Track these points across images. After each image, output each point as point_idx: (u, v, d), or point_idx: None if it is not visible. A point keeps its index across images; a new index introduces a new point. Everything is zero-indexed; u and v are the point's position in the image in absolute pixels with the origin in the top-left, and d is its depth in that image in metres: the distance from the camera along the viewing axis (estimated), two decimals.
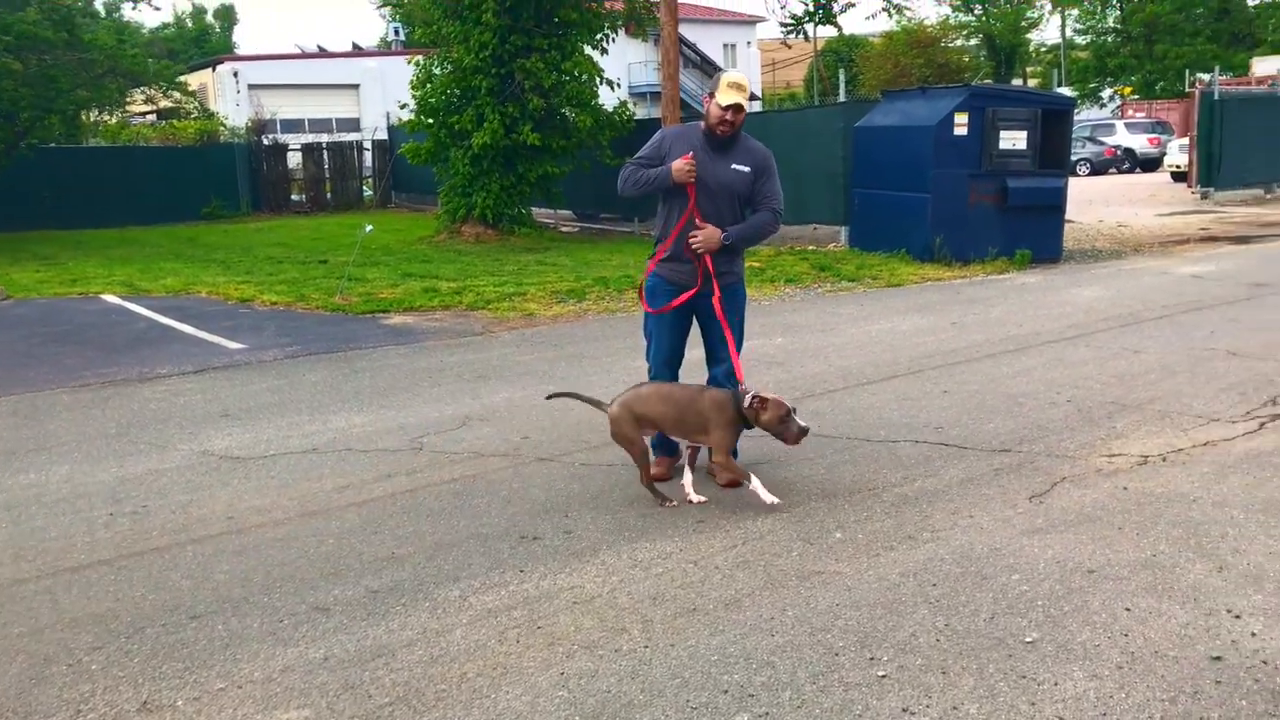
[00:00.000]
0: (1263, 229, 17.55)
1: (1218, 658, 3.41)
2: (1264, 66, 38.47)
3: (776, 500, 4.88)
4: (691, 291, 5.25)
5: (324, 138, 33.65)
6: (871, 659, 3.49)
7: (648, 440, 5.09)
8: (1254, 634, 3.55)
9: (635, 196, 5.35)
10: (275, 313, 11.70)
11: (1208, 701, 3.16)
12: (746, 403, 4.83)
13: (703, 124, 5.26)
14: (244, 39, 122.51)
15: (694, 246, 5.15)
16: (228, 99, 38.05)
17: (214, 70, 40.30)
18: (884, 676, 3.38)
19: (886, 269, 13.22)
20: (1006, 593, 3.96)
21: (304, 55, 47.57)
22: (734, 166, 5.20)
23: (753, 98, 52.37)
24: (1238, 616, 3.69)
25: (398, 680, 3.47)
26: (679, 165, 5.08)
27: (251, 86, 38.45)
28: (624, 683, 3.41)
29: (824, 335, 9.30)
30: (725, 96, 5.05)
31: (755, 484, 4.90)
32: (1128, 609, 3.78)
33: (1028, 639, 3.59)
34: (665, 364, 5.43)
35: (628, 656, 3.58)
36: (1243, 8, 58.01)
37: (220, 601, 4.14)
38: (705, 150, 5.19)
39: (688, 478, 5.12)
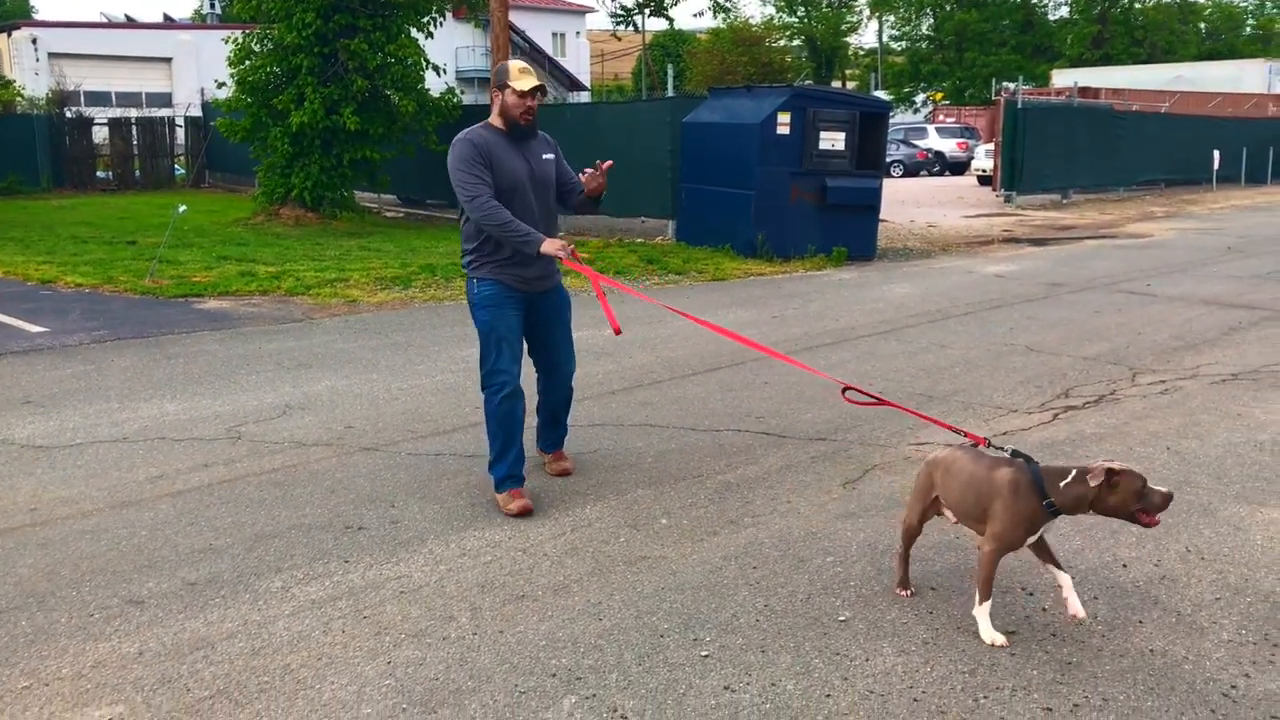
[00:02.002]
0: (1059, 232, 18.70)
1: (1013, 632, 3.66)
2: (1063, 79, 40.91)
3: (1000, 639, 3.59)
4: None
5: (133, 112, 32.04)
6: (695, 640, 3.60)
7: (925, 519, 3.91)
8: (1044, 609, 3.82)
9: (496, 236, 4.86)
10: (80, 295, 11.12)
11: (1003, 672, 3.39)
12: (1070, 479, 3.47)
13: (496, 121, 4.94)
14: (43, 4, 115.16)
15: (562, 253, 4.77)
16: (25, 67, 35.78)
17: (9, 36, 37.84)
18: (707, 656, 3.49)
19: (712, 263, 13.50)
20: (822, 574, 4.14)
21: (111, 25, 45.14)
22: (544, 156, 5.06)
23: (580, 88, 51.88)
24: (1031, 594, 3.96)
25: (218, 673, 3.39)
26: (556, 246, 4.75)
27: (52, 55, 36.25)
28: (452, 670, 3.42)
29: (651, 327, 9.45)
30: (523, 82, 4.83)
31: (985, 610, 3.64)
32: (933, 588, 4.01)
33: (841, 618, 3.77)
34: (517, 372, 4.96)
35: (455, 644, 3.59)
36: (1044, 22, 61.53)
37: (24, 596, 3.94)
38: (514, 147, 4.92)
39: (1061, 578, 3.67)
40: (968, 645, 3.56)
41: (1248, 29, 66.89)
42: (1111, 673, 3.38)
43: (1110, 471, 3.41)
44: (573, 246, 4.86)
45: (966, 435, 4.00)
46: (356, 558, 4.32)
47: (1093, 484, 3.40)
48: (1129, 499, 3.43)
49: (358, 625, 3.73)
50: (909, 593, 3.92)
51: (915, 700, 3.22)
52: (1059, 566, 3.68)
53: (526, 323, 5.09)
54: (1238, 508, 4.86)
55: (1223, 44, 62.82)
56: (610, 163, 5.11)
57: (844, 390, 4.47)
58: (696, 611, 3.82)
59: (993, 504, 3.55)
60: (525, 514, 4.79)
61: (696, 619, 3.76)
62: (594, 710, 3.18)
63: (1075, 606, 3.59)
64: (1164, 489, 3.48)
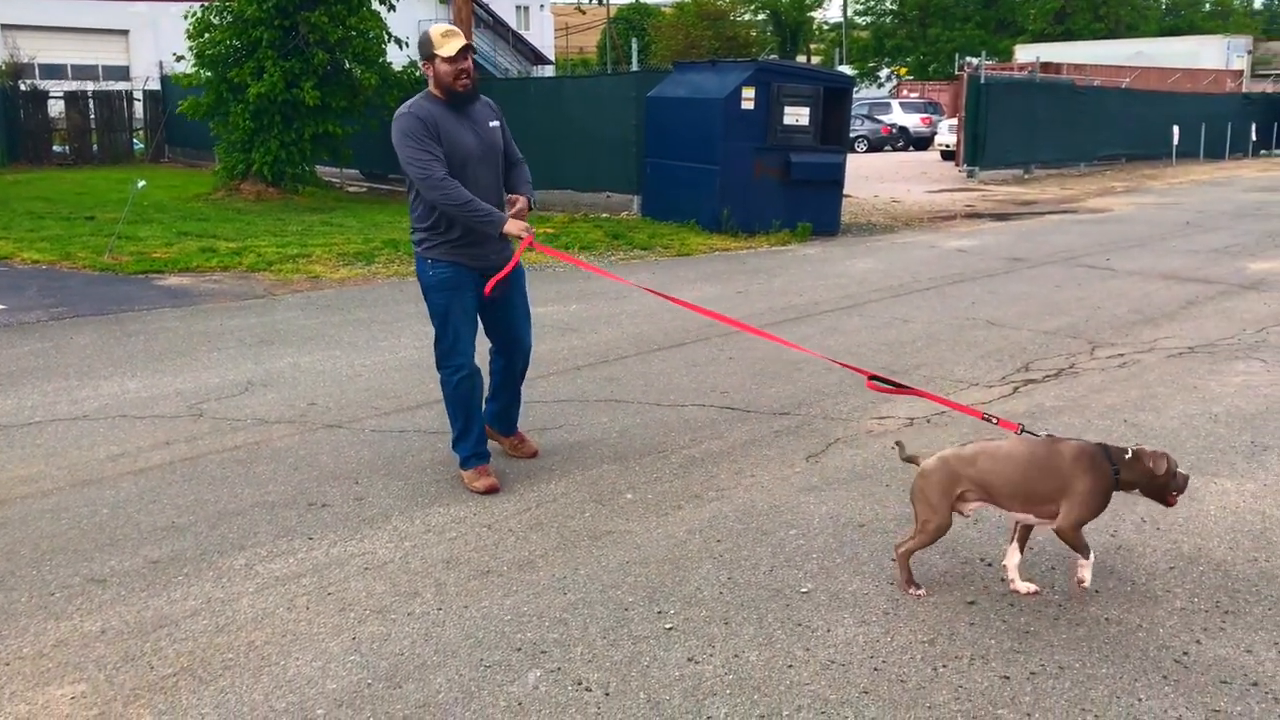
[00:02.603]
0: (1021, 207, 18.85)
1: (971, 602, 3.72)
2: (1025, 54, 41.14)
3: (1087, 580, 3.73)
4: (510, 266, 4.83)
5: (90, 86, 31.46)
6: (659, 613, 3.63)
7: (955, 516, 3.81)
8: (1003, 579, 3.88)
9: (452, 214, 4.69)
10: (37, 271, 10.96)
11: (962, 642, 3.45)
12: (1130, 457, 3.63)
13: (435, 91, 4.72)
14: None
15: (525, 234, 4.66)
16: None
17: None
18: (671, 629, 3.52)
19: (677, 238, 13.50)
20: (785, 547, 4.18)
21: None
22: (491, 124, 4.82)
23: (544, 61, 51.34)
24: (989, 564, 4.02)
25: (181, 650, 3.38)
26: (518, 228, 4.63)
27: (5, 27, 35.49)
28: (417, 645, 3.43)
29: (617, 302, 9.45)
30: (449, 46, 4.57)
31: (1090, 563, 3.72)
32: (893, 560, 4.06)
33: (804, 589, 3.81)
34: (473, 352, 4.88)
35: (420, 619, 3.60)
36: None
37: None
38: (459, 118, 4.70)
39: (1014, 559, 3.84)
40: (927, 615, 3.62)
41: (1207, 5, 67.51)
42: (1068, 641, 3.44)
43: (1168, 458, 3.63)
44: (533, 229, 4.75)
45: (999, 422, 4.02)
46: (320, 534, 4.32)
47: (1159, 471, 3.60)
48: (1169, 481, 3.63)
49: (322, 602, 3.73)
50: (923, 591, 3.82)
51: (876, 670, 3.27)
52: (1021, 549, 3.81)
53: (482, 302, 4.91)
54: (1192, 478, 4.94)
55: (1182, 20, 63.43)
56: (524, 202, 4.82)
57: (870, 379, 4.35)
58: (661, 585, 3.85)
59: (1073, 479, 3.59)
60: (492, 492, 4.77)
61: (661, 592, 3.79)
62: (559, 683, 3.20)
63: (1021, 585, 3.79)
64: (1185, 472, 3.69)
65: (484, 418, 5.06)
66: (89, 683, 3.20)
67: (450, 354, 4.84)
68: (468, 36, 18.32)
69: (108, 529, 4.36)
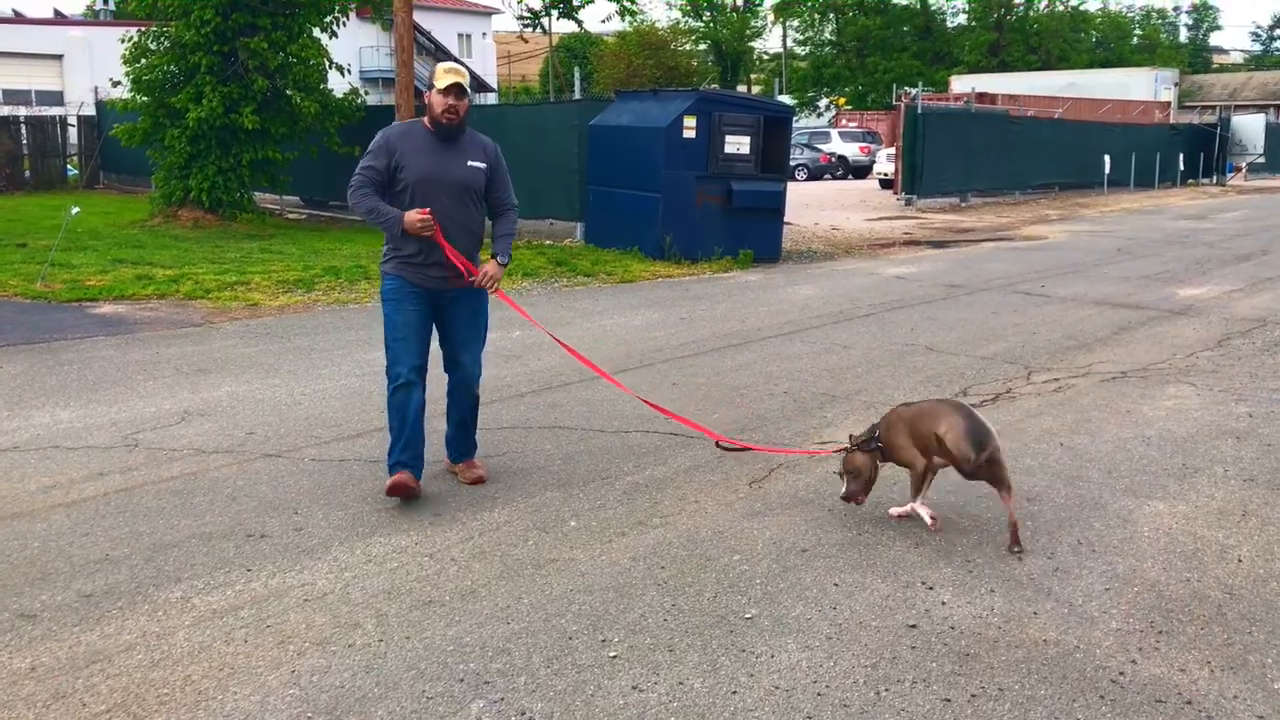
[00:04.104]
0: (957, 235, 19.16)
1: (913, 625, 3.75)
2: (961, 84, 41.96)
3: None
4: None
5: (22, 111, 30.91)
6: (604, 641, 3.62)
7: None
8: (944, 603, 3.93)
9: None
10: None
11: (904, 665, 3.48)
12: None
13: (426, 120, 5.08)
14: None
15: (488, 288, 5.08)
16: None
17: None
18: (615, 657, 3.51)
19: (620, 265, 13.54)
20: (729, 572, 4.19)
21: None
22: (470, 163, 5.06)
23: (487, 89, 51.54)
24: (931, 588, 4.06)
25: (115, 686, 3.31)
26: (414, 219, 4.85)
27: None
28: (358, 677, 3.38)
29: (560, 329, 9.43)
30: (442, 79, 4.89)
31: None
32: (836, 584, 4.09)
33: (747, 615, 3.82)
34: (413, 366, 5.02)
35: (361, 651, 3.55)
36: (943, 29, 63.04)
37: None
38: (435, 146, 5.01)
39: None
40: (869, 640, 3.64)
41: (1135, 39, 69.37)
42: (1007, 663, 3.49)
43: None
44: (433, 224, 4.91)
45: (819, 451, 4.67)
46: (259, 566, 4.25)
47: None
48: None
49: (261, 634, 3.67)
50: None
51: (819, 695, 3.29)
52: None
53: (436, 321, 5.16)
54: (1126, 501, 5.04)
55: (1112, 53, 65.10)
56: (491, 266, 5.11)
57: (717, 444, 5.41)
58: (605, 612, 3.84)
59: None
60: (396, 492, 4.90)
61: (605, 620, 3.78)
62: (502, 714, 3.17)
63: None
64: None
65: (423, 435, 5.13)
66: None
67: (391, 364, 5.06)
68: (408, 64, 18.06)
69: (39, 562, 4.26)
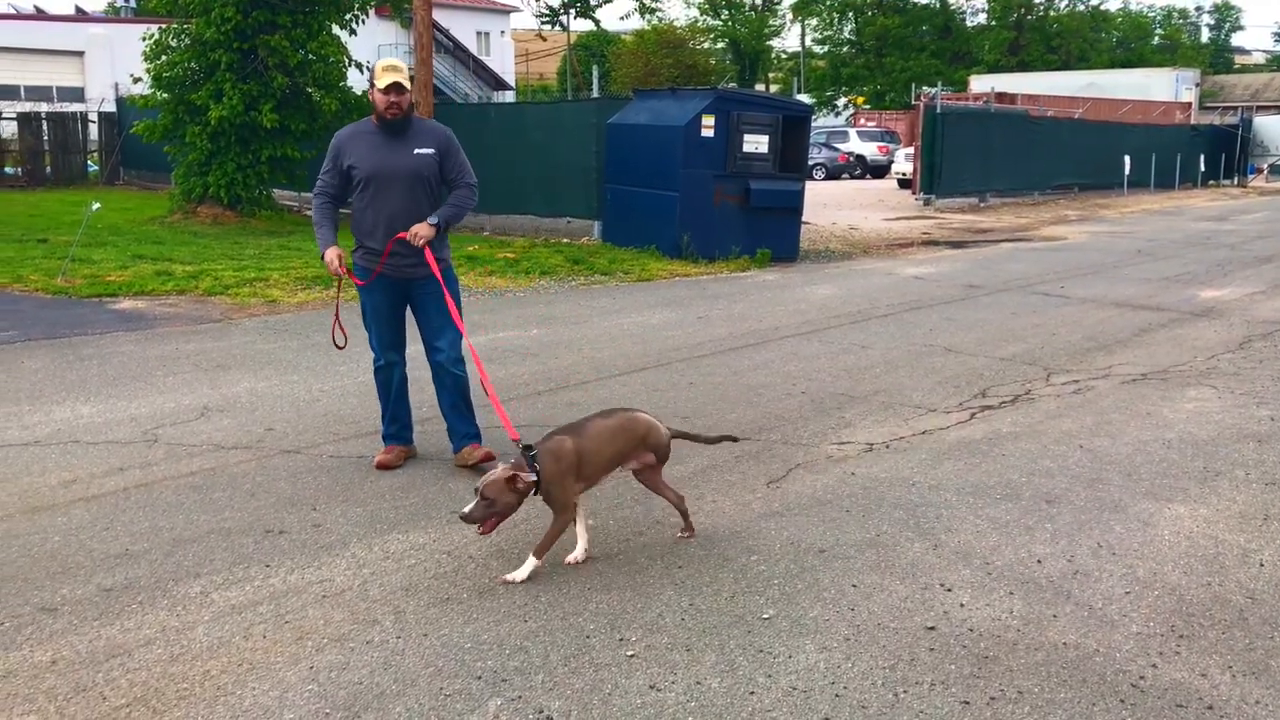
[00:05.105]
0: (976, 235, 19.08)
1: (932, 627, 3.74)
2: (980, 84, 41.81)
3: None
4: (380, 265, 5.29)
5: (44, 107, 31.12)
6: (621, 640, 3.62)
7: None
8: (962, 605, 3.91)
9: None
10: None
11: (922, 667, 3.46)
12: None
13: (373, 117, 5.30)
14: None
15: (415, 244, 5.18)
16: None
17: None
18: (632, 656, 3.51)
19: (638, 264, 13.54)
20: (746, 573, 4.18)
21: (20, 16, 43.81)
22: (417, 151, 5.27)
23: (505, 87, 51.73)
24: (949, 590, 4.05)
25: (135, 680, 3.32)
26: (329, 260, 5.22)
27: None
28: (376, 674, 3.39)
29: (577, 327, 9.45)
30: (382, 79, 5.13)
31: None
32: (854, 585, 4.08)
33: (765, 615, 3.81)
34: (387, 348, 5.53)
35: (379, 648, 3.56)
36: (963, 28, 62.77)
37: None
38: (382, 141, 5.25)
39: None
40: (888, 641, 3.63)
41: (1155, 39, 68.95)
42: (1026, 666, 3.47)
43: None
44: (341, 261, 5.22)
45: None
46: (278, 562, 4.26)
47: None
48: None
49: (279, 630, 3.68)
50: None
51: (837, 696, 3.28)
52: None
53: (411, 308, 5.50)
54: (1147, 504, 5.01)
55: (1133, 53, 64.73)
56: (418, 227, 5.19)
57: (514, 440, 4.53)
58: (622, 611, 3.84)
59: None
60: (383, 468, 5.40)
61: (622, 619, 3.78)
62: (520, 712, 3.17)
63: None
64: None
65: (409, 407, 5.67)
66: (39, 714, 3.13)
67: (372, 346, 5.55)
68: (427, 61, 18.15)
69: (59, 556, 4.29)
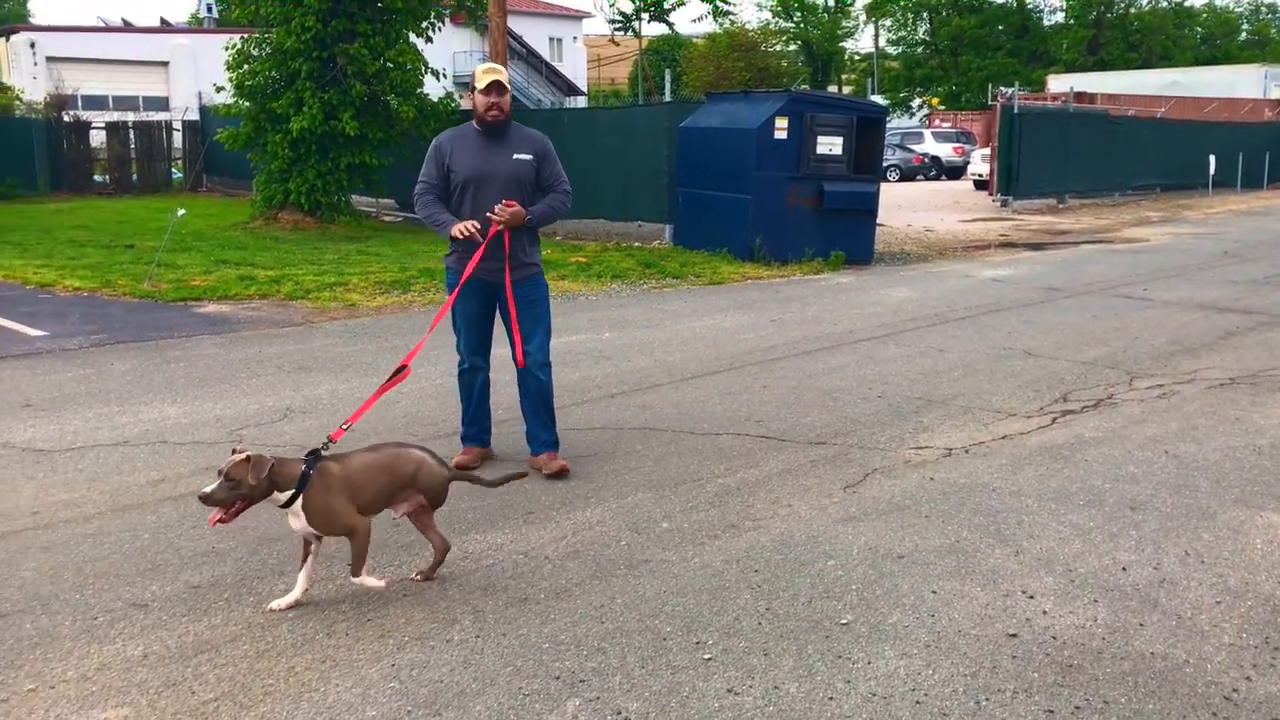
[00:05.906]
0: (1055, 237, 18.74)
1: (1014, 635, 3.68)
2: (1058, 84, 41.03)
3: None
4: (475, 259, 5.13)
5: (130, 116, 31.97)
6: (698, 643, 3.61)
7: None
8: (1045, 612, 3.84)
9: None
10: (79, 299, 11.12)
11: (1004, 675, 3.41)
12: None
13: (474, 121, 5.35)
14: (40, 8, 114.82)
15: (496, 217, 5.09)
16: (23, 71, 35.77)
17: (8, 40, 37.82)
18: (709, 659, 3.50)
19: (709, 267, 13.52)
20: (823, 578, 4.15)
21: (108, 29, 45.12)
22: (516, 156, 5.31)
23: (577, 92, 52.03)
24: (1031, 597, 3.98)
25: (222, 676, 3.40)
26: (458, 230, 5.07)
27: (50, 59, 36.24)
28: (456, 672, 3.43)
29: (650, 331, 9.47)
30: (482, 80, 5.18)
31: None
32: (934, 591, 4.03)
33: (843, 621, 3.78)
34: (473, 352, 5.60)
35: (459, 646, 3.60)
36: (1040, 27, 61.68)
37: (28, 599, 3.95)
38: (482, 144, 5.30)
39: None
40: (969, 648, 3.58)
41: (1243, 34, 67.11)
42: (1112, 675, 3.39)
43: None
44: (474, 228, 5.07)
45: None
46: None
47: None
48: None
49: (361, 628, 3.74)
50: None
51: (918, 703, 3.24)
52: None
53: (496, 309, 5.54)
54: (1237, 511, 4.88)
55: (1218, 49, 63.07)
56: (501, 207, 5.12)
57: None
58: (698, 614, 3.83)
59: None
60: (461, 469, 5.07)
61: (699, 622, 3.77)
62: (598, 713, 3.19)
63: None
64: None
65: (489, 410, 5.74)
66: (131, 707, 3.22)
67: (458, 349, 5.63)
68: (503, 67, 18.38)
69: (149, 554, 4.40)
